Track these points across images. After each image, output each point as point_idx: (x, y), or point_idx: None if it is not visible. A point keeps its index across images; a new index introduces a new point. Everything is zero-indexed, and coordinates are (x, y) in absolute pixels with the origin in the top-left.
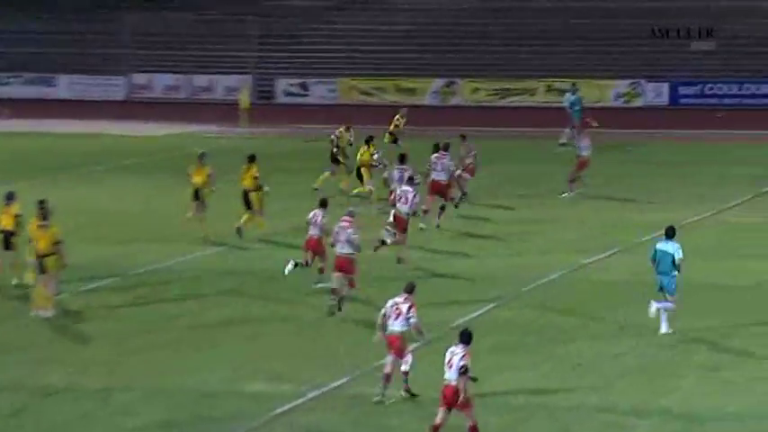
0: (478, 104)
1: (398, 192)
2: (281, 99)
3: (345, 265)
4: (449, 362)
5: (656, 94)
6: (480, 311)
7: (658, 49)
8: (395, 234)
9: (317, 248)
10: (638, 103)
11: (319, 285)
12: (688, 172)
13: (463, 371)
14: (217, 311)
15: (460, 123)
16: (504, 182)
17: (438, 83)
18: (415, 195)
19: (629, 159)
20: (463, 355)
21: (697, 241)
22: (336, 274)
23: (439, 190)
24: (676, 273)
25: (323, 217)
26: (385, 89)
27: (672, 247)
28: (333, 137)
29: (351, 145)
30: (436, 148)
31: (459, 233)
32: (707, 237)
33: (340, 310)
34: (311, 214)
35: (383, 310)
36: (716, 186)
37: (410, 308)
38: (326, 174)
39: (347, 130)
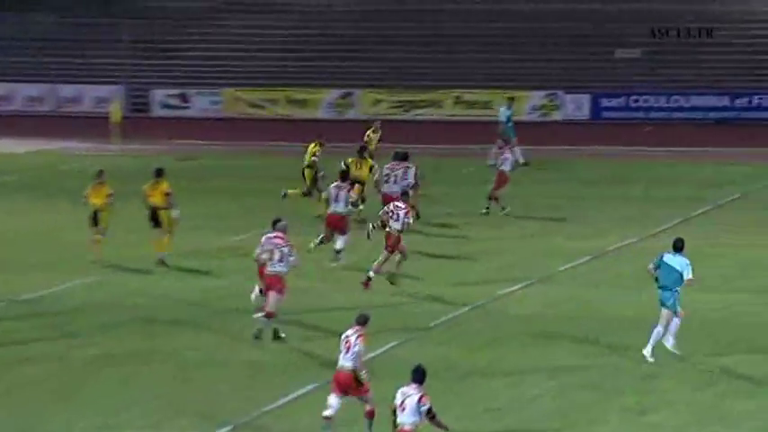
0: (379, 117)
1: (389, 208)
2: (158, 112)
3: (276, 283)
4: (401, 404)
5: (575, 106)
6: (381, 350)
7: (578, 57)
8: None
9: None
10: (556, 116)
11: (259, 315)
12: (613, 193)
13: (430, 416)
14: (88, 349)
15: (357, 139)
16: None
17: (333, 94)
18: (407, 213)
19: (551, 179)
20: (420, 397)
21: (622, 269)
22: (270, 294)
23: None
24: (678, 289)
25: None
26: (277, 101)
27: (680, 264)
28: (314, 158)
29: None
30: (397, 156)
31: (364, 260)
32: (633, 264)
33: (278, 337)
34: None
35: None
36: (643, 208)
37: (358, 337)
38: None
39: (320, 145)
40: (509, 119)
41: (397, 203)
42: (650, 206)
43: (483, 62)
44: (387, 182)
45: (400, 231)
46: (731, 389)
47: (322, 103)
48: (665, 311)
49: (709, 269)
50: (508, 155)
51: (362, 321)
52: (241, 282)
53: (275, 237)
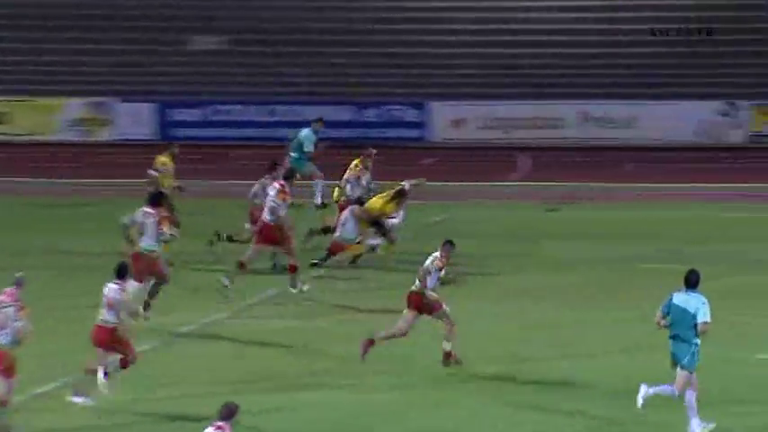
0: None
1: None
2: None
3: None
4: None
5: (134, 120)
6: None
7: (136, 47)
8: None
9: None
10: (104, 135)
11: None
12: None
13: None
14: None
15: None
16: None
17: None
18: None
19: None
20: None
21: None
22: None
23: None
24: (698, 340)
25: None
26: None
27: (694, 304)
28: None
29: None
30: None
31: None
32: None
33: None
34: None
35: None
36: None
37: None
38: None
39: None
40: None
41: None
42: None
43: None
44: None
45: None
46: None
47: None
48: (681, 373)
49: None
50: None
51: (227, 416)
52: None
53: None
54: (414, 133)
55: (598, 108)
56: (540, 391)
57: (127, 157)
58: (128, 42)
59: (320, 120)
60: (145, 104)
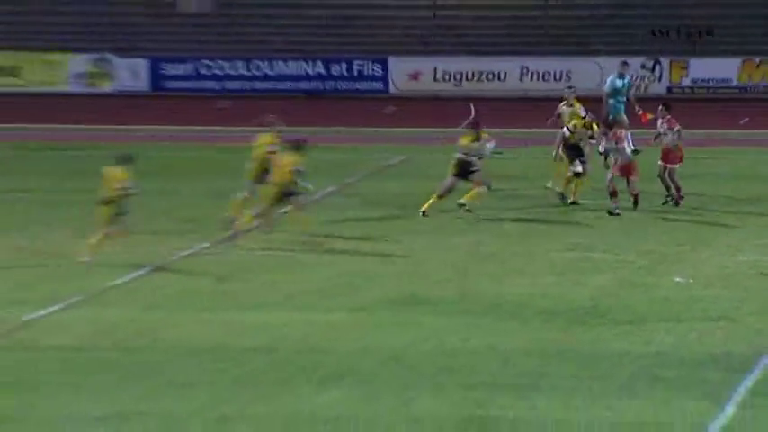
0: None
1: None
2: None
3: None
4: None
5: (131, 73)
6: None
7: (131, 10)
8: None
9: None
10: (105, 87)
11: None
12: (175, 188)
13: None
14: None
15: None
16: None
17: None
18: None
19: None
20: None
21: (193, 284)
22: None
23: None
24: None
25: None
26: None
27: None
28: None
29: None
30: None
31: None
32: (206, 279)
33: None
34: None
35: None
36: (215, 207)
37: None
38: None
39: None
40: None
41: None
42: (222, 204)
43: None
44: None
45: None
46: None
47: None
48: None
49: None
50: None
51: None
52: None
53: None
54: (377, 86)
55: (536, 63)
56: (489, 312)
57: (125, 107)
58: (126, 5)
59: (624, 63)
60: (140, 60)
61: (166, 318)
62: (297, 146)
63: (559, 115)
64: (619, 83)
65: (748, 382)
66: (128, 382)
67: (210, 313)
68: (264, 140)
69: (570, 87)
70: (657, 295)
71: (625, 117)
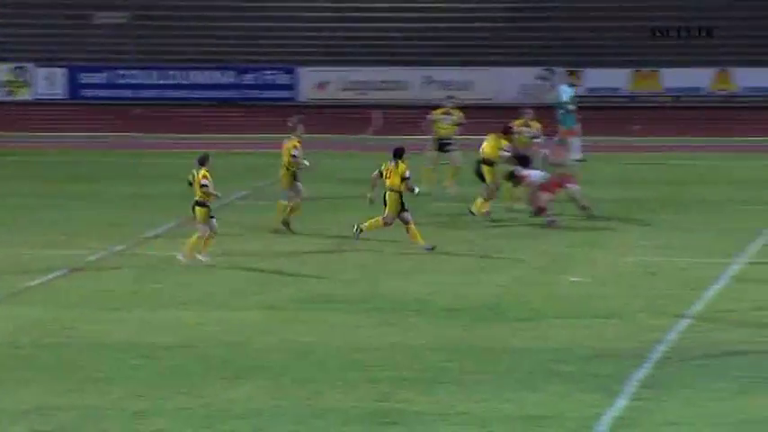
0: None
1: None
2: None
3: None
4: None
5: (50, 82)
6: None
7: (52, 21)
8: None
9: None
10: (25, 95)
11: None
12: (92, 191)
13: None
14: None
15: None
16: None
17: None
18: None
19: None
20: None
21: (109, 284)
22: None
23: None
24: None
25: None
26: None
27: None
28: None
29: None
30: None
31: None
32: (122, 279)
33: None
34: None
35: None
36: (131, 210)
37: None
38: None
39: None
40: None
41: None
42: (138, 206)
43: None
44: None
45: None
46: None
47: None
48: None
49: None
50: None
51: None
52: None
53: None
54: (285, 94)
55: (439, 73)
56: (395, 310)
57: (42, 114)
58: (46, 18)
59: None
60: (58, 69)
61: (83, 316)
62: (201, 160)
63: (434, 122)
64: (568, 92)
65: (639, 375)
66: (47, 378)
67: (127, 312)
68: (288, 146)
69: (450, 97)
70: (554, 293)
71: (576, 125)
